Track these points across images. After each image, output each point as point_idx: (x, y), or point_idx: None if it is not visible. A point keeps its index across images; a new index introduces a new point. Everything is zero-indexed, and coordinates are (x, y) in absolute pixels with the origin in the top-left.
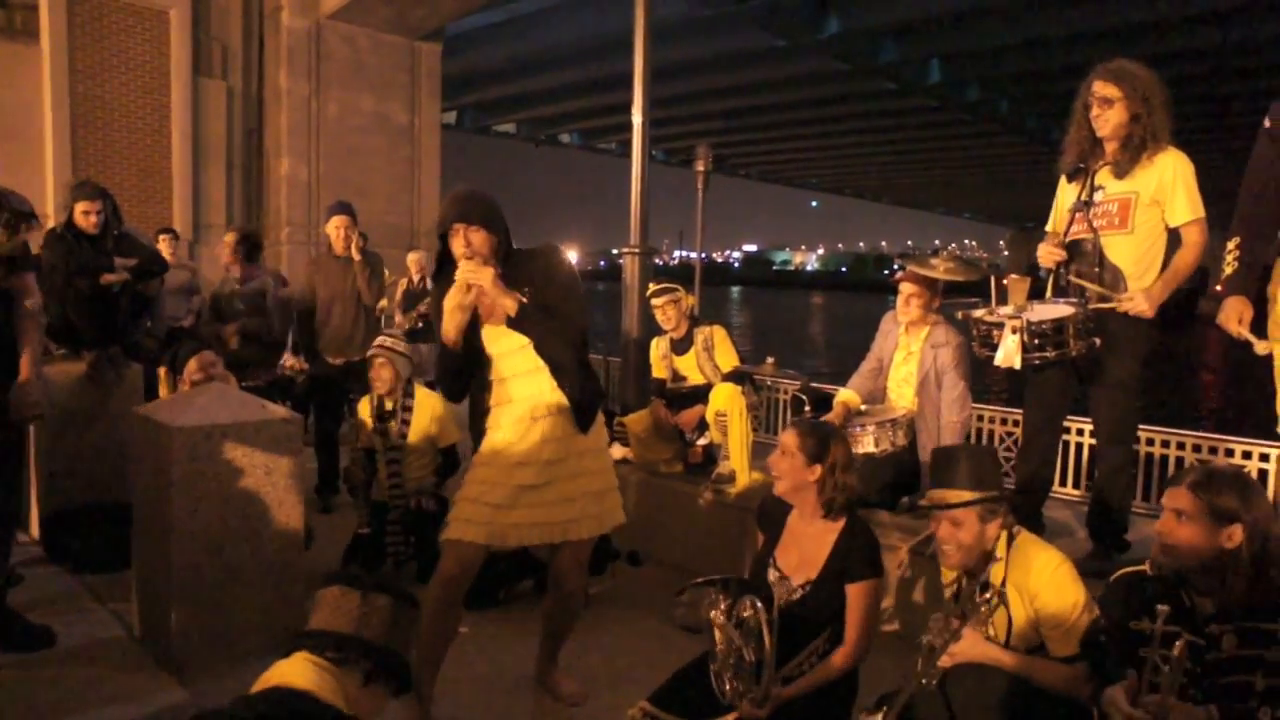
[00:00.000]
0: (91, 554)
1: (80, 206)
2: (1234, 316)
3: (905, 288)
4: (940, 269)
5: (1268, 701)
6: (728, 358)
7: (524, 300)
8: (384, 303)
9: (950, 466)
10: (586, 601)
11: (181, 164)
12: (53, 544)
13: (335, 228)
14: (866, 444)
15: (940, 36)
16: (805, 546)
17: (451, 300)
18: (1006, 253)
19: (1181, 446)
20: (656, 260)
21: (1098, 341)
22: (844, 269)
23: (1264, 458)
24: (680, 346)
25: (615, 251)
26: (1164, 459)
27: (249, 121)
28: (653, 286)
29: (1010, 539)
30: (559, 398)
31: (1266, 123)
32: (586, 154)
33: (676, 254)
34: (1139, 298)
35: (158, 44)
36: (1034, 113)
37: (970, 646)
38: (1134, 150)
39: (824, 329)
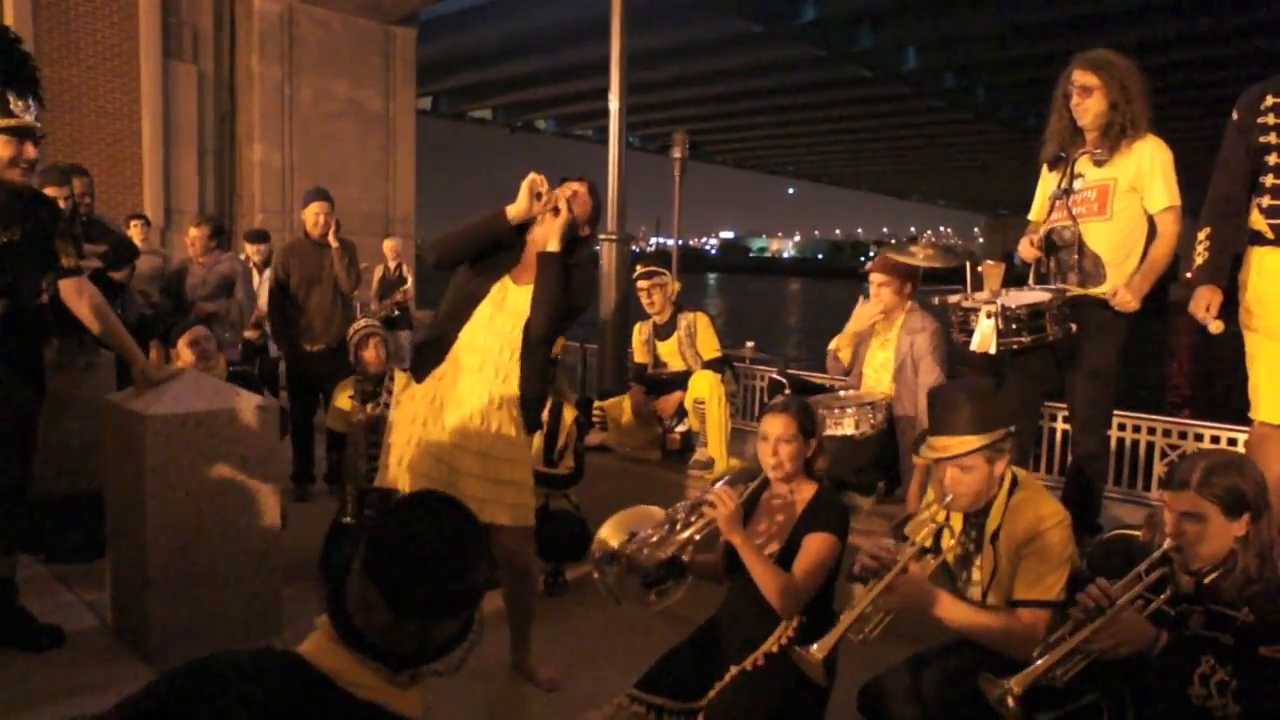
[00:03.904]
0: (64, 544)
1: (47, 191)
2: (1203, 304)
3: (875, 277)
4: (919, 256)
5: (1207, 685)
6: (709, 346)
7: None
8: (358, 291)
9: (954, 411)
10: (564, 588)
11: (152, 149)
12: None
13: (314, 213)
14: (847, 425)
15: (916, 23)
16: (776, 517)
17: (532, 192)
18: (982, 240)
19: (1153, 432)
20: (633, 247)
21: (1074, 327)
22: (820, 256)
23: (1232, 442)
24: (663, 332)
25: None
26: (1135, 444)
27: (221, 106)
28: (639, 269)
29: (1013, 485)
30: (509, 389)
31: (1234, 115)
32: (563, 140)
33: (653, 241)
34: (1122, 293)
35: (126, 27)
36: (1010, 100)
37: (914, 585)
38: (1113, 138)
39: (801, 315)
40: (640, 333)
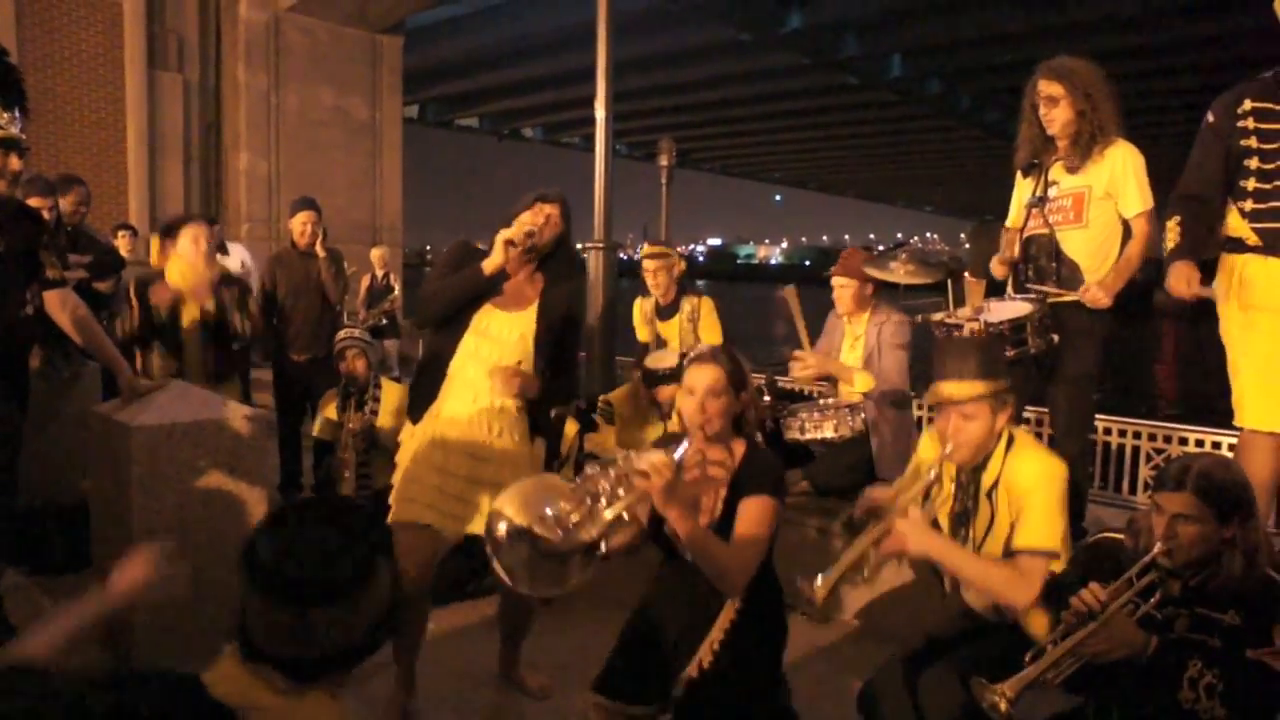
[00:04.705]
0: (49, 555)
1: (31, 203)
2: (1183, 280)
3: (836, 281)
4: (899, 273)
5: (1195, 688)
6: (712, 331)
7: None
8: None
9: (961, 357)
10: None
11: (137, 159)
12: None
13: (301, 223)
14: (826, 430)
15: (902, 31)
16: (706, 482)
17: (505, 245)
18: (968, 245)
19: (1137, 435)
20: (621, 255)
21: (1056, 338)
22: (808, 262)
23: (1216, 445)
24: (665, 312)
25: (580, 246)
26: (1120, 448)
27: (207, 115)
28: (646, 248)
29: (1010, 441)
30: (507, 408)
31: (1210, 118)
32: (550, 148)
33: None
34: (1094, 289)
35: (111, 36)
36: (994, 107)
37: (913, 526)
38: (1084, 145)
39: (788, 322)
40: (641, 309)
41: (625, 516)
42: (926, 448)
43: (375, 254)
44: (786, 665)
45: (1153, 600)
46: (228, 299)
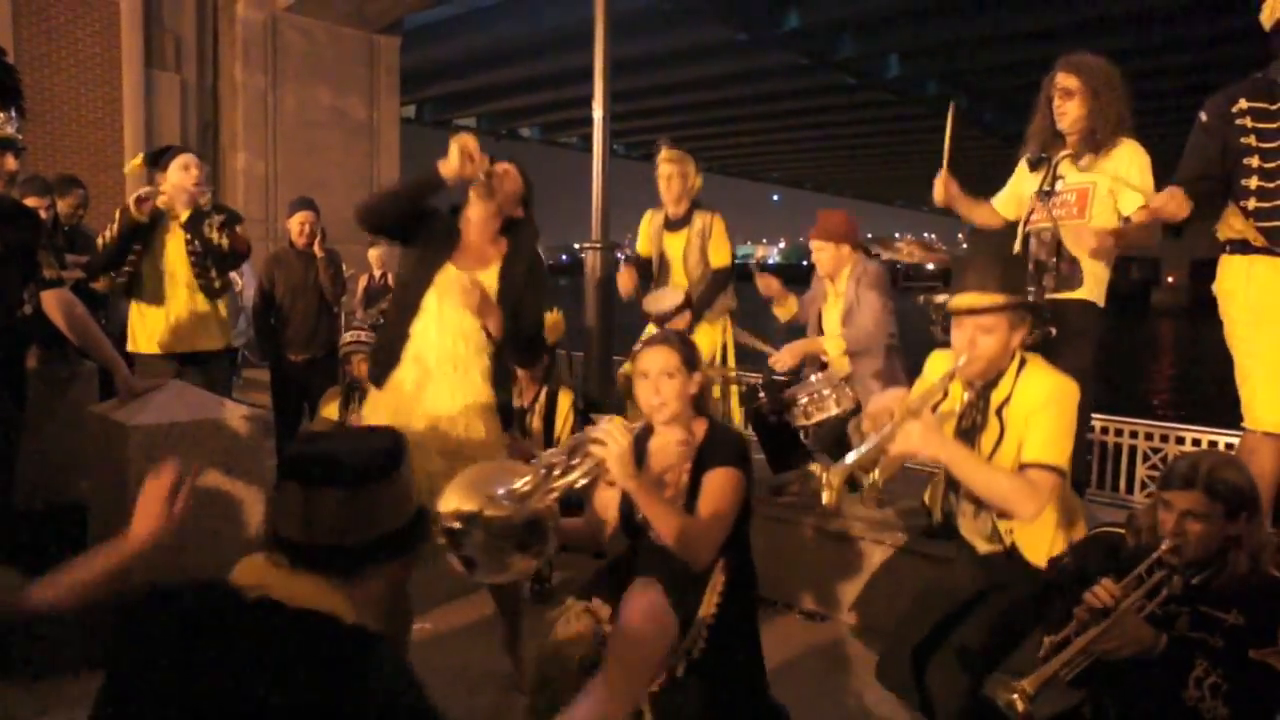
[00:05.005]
0: (47, 557)
1: (28, 202)
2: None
3: (814, 245)
4: (903, 251)
5: (1200, 687)
6: (720, 251)
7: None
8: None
9: (983, 269)
10: (551, 595)
11: (134, 158)
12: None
13: (299, 223)
14: (831, 407)
15: (899, 31)
16: (669, 464)
17: (463, 152)
18: (965, 245)
19: (1134, 435)
20: (618, 254)
21: (1053, 331)
22: (805, 261)
23: (1213, 444)
24: (674, 224)
25: (577, 246)
26: (1116, 447)
27: (204, 115)
28: (665, 151)
29: (1022, 363)
30: (472, 383)
31: (1203, 117)
32: (548, 148)
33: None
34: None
35: (108, 36)
36: (992, 107)
37: (924, 426)
38: (1093, 143)
39: (785, 321)
40: (650, 222)
41: (582, 484)
42: (936, 364)
43: (373, 254)
44: (784, 664)
45: (1159, 598)
46: (214, 220)
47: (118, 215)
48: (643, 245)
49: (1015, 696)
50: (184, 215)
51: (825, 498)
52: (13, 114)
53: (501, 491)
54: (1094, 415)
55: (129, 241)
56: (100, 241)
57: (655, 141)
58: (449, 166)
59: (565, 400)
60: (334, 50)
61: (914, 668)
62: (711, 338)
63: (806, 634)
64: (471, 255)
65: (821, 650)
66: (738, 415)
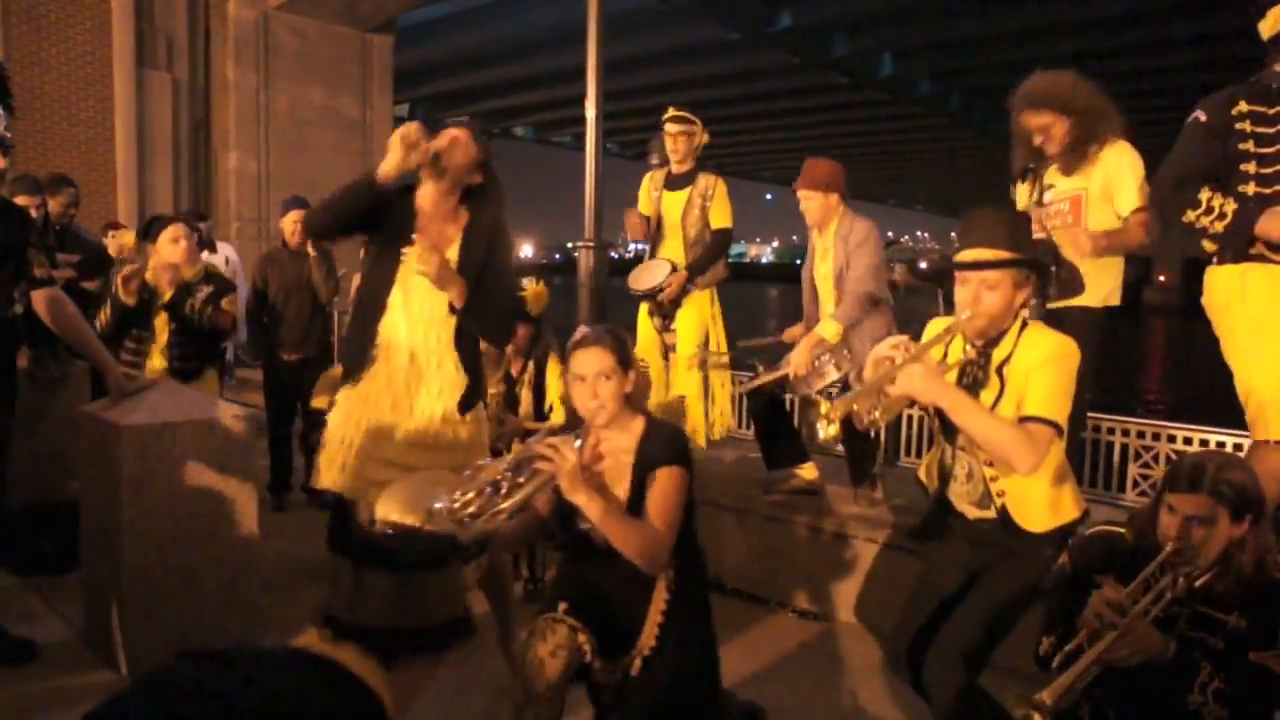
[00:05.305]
0: (38, 556)
1: (18, 201)
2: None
3: (801, 194)
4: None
5: (1205, 692)
6: (722, 214)
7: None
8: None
9: (990, 225)
10: (543, 595)
11: (126, 157)
12: None
13: (292, 222)
14: (831, 373)
15: (892, 30)
16: (610, 465)
17: (405, 143)
18: (958, 245)
19: (1126, 434)
20: (612, 254)
21: (1052, 293)
22: (799, 261)
23: (1204, 443)
24: (676, 182)
25: (570, 245)
26: (1109, 446)
27: (196, 114)
28: (671, 111)
29: (1024, 325)
30: (446, 374)
31: (1202, 116)
32: (541, 147)
33: (632, 247)
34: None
35: (99, 34)
36: (983, 106)
37: (925, 369)
38: (1080, 151)
39: (780, 319)
40: (652, 180)
41: (527, 502)
42: (936, 327)
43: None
44: (777, 662)
45: (1164, 601)
46: (199, 295)
47: (108, 300)
48: (643, 205)
49: (1034, 712)
50: (167, 295)
51: (822, 432)
52: (2, 112)
53: (441, 507)
54: (1088, 415)
55: (123, 326)
56: (98, 323)
57: (648, 143)
58: (389, 164)
59: (555, 369)
60: (326, 49)
61: (911, 661)
62: (700, 307)
63: (800, 632)
64: (431, 236)
65: (814, 648)
66: (725, 402)
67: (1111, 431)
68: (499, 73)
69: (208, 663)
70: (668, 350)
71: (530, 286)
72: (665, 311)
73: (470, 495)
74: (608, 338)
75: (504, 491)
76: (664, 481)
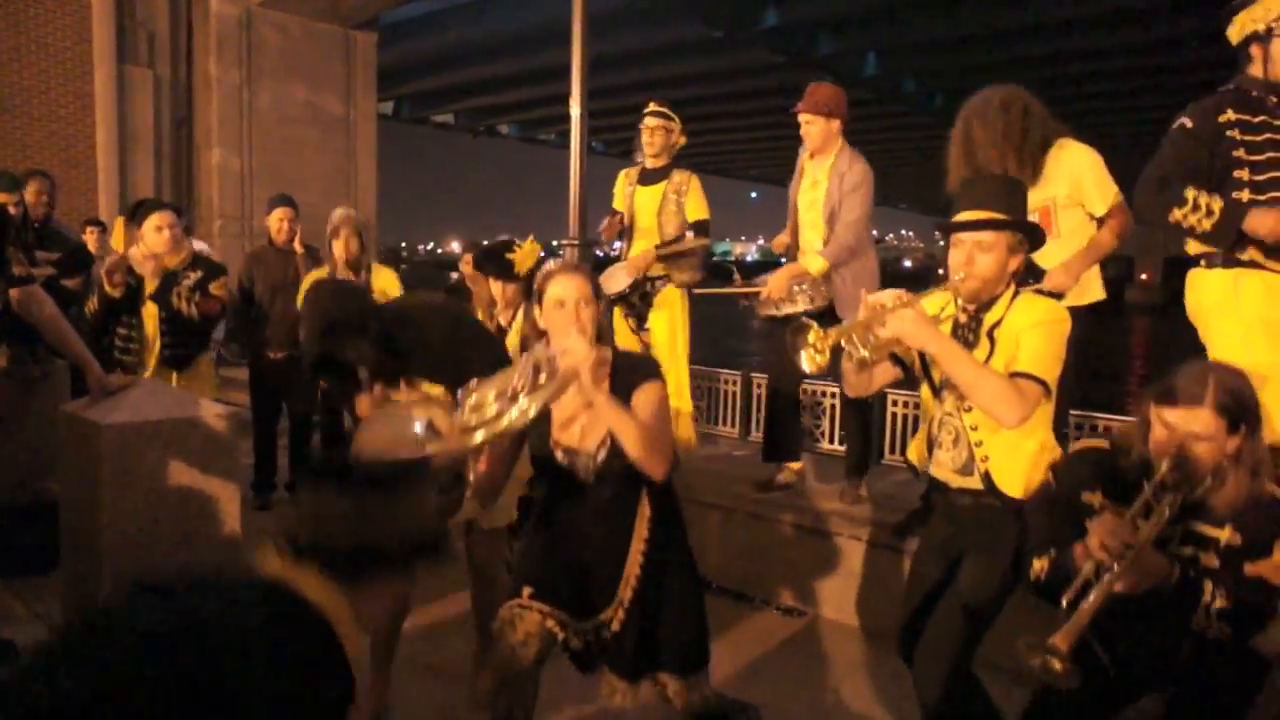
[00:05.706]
0: (15, 556)
1: None
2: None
3: (802, 117)
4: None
5: (1208, 612)
6: (698, 208)
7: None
8: None
9: (988, 189)
10: None
11: (107, 154)
12: None
13: (278, 219)
14: (801, 302)
15: (877, 30)
16: (580, 407)
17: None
18: (942, 243)
19: (1109, 431)
20: (596, 252)
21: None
22: (783, 260)
23: None
24: (650, 177)
25: (555, 243)
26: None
27: (178, 110)
28: (652, 106)
29: (1016, 292)
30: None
31: (1188, 123)
32: (526, 145)
33: (616, 245)
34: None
35: (79, 30)
36: None
37: (915, 314)
38: (1032, 164)
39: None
40: (626, 178)
41: (533, 412)
42: (931, 304)
43: None
44: (762, 659)
45: (1161, 523)
46: (185, 283)
47: (95, 291)
48: (618, 201)
49: (1050, 657)
50: (153, 285)
51: (809, 364)
52: None
53: (451, 416)
54: (1070, 412)
55: (111, 317)
56: (87, 312)
57: (633, 141)
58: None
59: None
60: (309, 46)
61: (908, 655)
62: (672, 307)
63: (784, 629)
64: None
65: (799, 645)
66: (687, 403)
67: (1095, 428)
68: (483, 70)
69: (148, 596)
70: (645, 349)
71: (525, 244)
72: (639, 312)
73: (490, 397)
74: (583, 265)
75: (527, 391)
76: (648, 395)
